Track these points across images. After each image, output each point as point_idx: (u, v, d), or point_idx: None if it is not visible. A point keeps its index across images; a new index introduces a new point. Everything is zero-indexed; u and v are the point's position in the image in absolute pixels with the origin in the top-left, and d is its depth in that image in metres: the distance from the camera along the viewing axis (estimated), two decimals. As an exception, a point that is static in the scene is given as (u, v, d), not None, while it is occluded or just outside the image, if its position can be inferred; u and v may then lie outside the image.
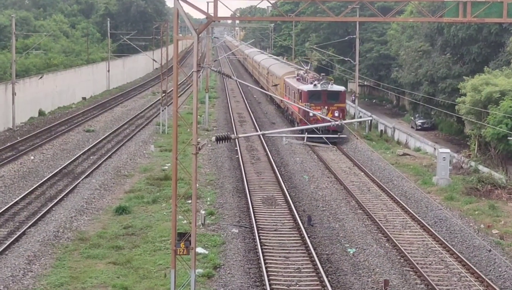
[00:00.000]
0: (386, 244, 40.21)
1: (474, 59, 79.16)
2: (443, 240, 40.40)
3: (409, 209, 47.33)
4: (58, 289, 32.84)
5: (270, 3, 28.98)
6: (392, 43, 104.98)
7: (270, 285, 33.29)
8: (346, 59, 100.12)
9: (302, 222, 43.07)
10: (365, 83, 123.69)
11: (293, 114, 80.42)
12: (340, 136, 70.04)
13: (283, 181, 55.29)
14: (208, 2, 20.23)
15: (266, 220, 45.04)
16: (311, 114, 66.73)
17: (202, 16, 23.92)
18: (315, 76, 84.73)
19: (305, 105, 65.28)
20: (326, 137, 58.77)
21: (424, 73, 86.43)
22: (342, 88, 76.43)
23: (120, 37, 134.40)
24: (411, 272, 35.84)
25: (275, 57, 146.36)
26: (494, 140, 58.71)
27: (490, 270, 36.20)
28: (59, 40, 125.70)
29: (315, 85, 71.80)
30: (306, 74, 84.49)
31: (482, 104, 61.81)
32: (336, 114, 68.66)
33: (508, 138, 53.39)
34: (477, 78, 65.98)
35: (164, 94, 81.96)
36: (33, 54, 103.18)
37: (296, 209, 46.79)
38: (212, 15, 23.51)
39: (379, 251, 39.08)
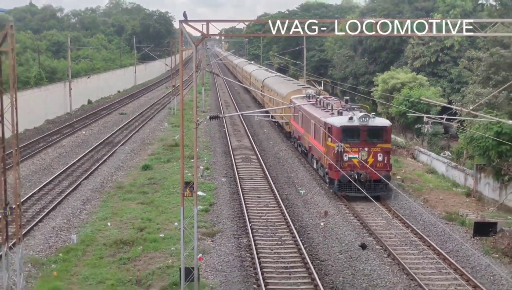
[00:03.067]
0: (325, 190, 40.31)
1: (383, 61, 79.55)
2: (364, 184, 40.56)
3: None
4: (103, 222, 32.94)
5: (245, 24, 28.81)
6: (328, 51, 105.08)
7: (248, 215, 33.55)
8: (297, 62, 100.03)
9: (271, 177, 43.22)
10: (310, 78, 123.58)
11: (312, 151, 44.67)
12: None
13: (255, 145, 55.46)
14: (202, 24, 20.16)
15: (244, 172, 45.16)
16: (346, 158, 36.64)
17: (198, 34, 23.75)
18: (337, 101, 47.99)
19: (338, 146, 35.92)
20: (365, 191, 32.71)
21: (350, 71, 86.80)
22: (387, 123, 39.36)
23: (142, 49, 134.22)
24: (342, 205, 36.22)
25: (265, 68, 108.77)
26: (397, 116, 59.09)
27: (395, 203, 36.60)
28: (100, 51, 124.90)
29: (351, 118, 37.57)
30: (322, 96, 48.75)
31: (389, 91, 62.17)
32: (380, 158, 36.89)
33: (407, 114, 53.70)
34: (385, 74, 66.33)
35: (173, 88, 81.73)
36: (83, 61, 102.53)
37: (264, 164, 47.02)
38: (205, 33, 23.43)
39: (320, 191, 39.36)
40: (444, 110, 52.63)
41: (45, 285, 24.55)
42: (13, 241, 23.49)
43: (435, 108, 55.50)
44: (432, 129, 55.37)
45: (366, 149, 36.55)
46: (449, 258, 27.38)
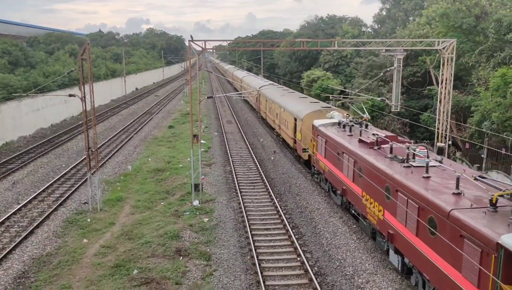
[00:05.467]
0: (274, 138, 40.42)
1: (307, 64, 78.60)
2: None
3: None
4: (147, 158, 32.68)
5: (227, 42, 28.31)
6: (275, 58, 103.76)
7: (230, 152, 33.53)
8: (257, 65, 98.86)
9: (243, 132, 42.98)
10: (265, 75, 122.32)
11: (397, 242, 13.03)
12: None
13: (234, 113, 55.18)
14: (202, 42, 19.81)
15: (228, 129, 44.93)
16: None
17: (200, 48, 23.32)
18: (422, 147, 14.18)
19: None
20: None
21: (288, 70, 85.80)
22: None
23: (167, 58, 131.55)
24: (284, 148, 36.29)
25: (253, 74, 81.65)
26: (315, 96, 59.08)
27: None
28: (142, 59, 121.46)
29: None
30: (384, 135, 17.58)
31: (311, 82, 61.92)
32: None
33: (320, 94, 53.64)
34: (308, 72, 65.70)
35: (186, 80, 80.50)
36: (132, 65, 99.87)
37: (240, 124, 46.83)
38: (204, 47, 23.02)
39: (271, 139, 39.44)
40: (341, 92, 52.83)
41: (113, 194, 24.47)
42: (94, 170, 23.26)
43: (336, 91, 55.60)
44: (334, 103, 55.50)
45: None
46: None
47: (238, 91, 72.22)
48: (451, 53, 23.65)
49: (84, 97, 21.06)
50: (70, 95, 23.26)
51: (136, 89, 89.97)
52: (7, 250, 17.51)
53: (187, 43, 27.08)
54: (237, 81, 69.03)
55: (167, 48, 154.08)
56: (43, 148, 35.77)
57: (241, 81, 64.71)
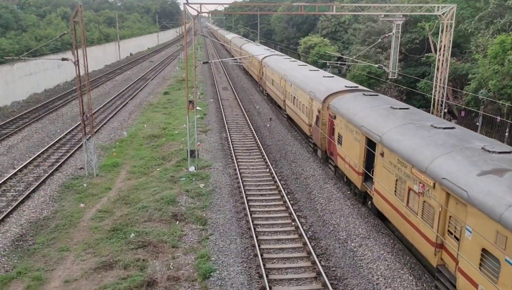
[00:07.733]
0: (270, 105, 40.18)
1: (304, 30, 77.42)
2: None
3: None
4: (142, 124, 32.56)
5: (224, 6, 27.67)
6: (272, 24, 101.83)
7: (226, 119, 33.48)
8: (254, 31, 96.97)
9: (239, 99, 42.66)
10: (261, 40, 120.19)
11: None
12: None
13: (230, 80, 54.63)
14: (197, 6, 19.25)
15: (224, 95, 44.63)
16: None
17: (195, 12, 22.76)
18: None
19: None
20: None
21: (285, 36, 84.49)
22: None
23: (161, 22, 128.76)
24: (280, 115, 36.20)
25: (270, 48, 54.83)
26: (312, 62, 58.50)
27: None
28: (136, 23, 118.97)
29: None
30: None
31: (308, 48, 61.10)
32: None
33: (317, 61, 53.06)
34: (305, 38, 64.78)
35: (181, 46, 79.06)
36: (125, 29, 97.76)
37: (236, 91, 46.48)
38: (199, 11, 22.47)
39: (267, 106, 39.24)
40: (339, 59, 52.27)
41: (109, 160, 24.51)
42: (89, 136, 23.17)
43: (334, 58, 55.00)
44: (332, 70, 55.01)
45: None
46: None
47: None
48: (451, 19, 23.27)
49: (78, 61, 20.70)
50: (63, 59, 22.84)
51: (131, 54, 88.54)
52: (5, 213, 17.65)
53: (182, 7, 26.30)
54: (253, 66, 43.24)
55: (161, 12, 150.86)
56: (37, 113, 35.48)
57: (259, 64, 39.28)
